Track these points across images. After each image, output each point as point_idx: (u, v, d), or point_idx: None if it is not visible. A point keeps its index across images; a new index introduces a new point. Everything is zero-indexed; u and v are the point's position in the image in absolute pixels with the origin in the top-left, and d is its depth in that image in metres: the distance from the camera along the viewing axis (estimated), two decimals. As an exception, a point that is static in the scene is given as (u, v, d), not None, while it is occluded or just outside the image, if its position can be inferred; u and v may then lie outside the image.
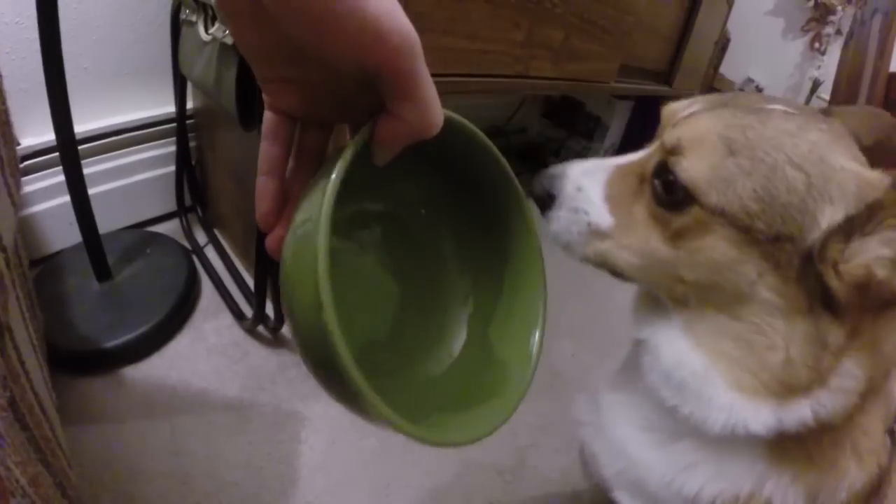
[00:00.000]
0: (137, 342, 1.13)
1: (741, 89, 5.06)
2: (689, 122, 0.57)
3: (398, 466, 1.08)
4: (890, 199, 0.47)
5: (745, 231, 0.51)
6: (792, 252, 0.50)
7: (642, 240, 0.58)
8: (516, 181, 0.54)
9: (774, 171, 0.50)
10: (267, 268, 1.10)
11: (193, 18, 1.10)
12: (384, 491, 1.03)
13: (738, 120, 0.53)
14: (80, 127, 1.14)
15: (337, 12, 0.32)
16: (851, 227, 0.49)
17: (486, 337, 0.59)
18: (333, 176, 0.37)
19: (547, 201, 0.62)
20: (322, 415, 1.12)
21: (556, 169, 0.63)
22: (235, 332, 1.27)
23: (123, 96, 1.39)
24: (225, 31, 0.97)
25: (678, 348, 0.59)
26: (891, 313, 0.51)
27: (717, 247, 0.53)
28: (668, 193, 0.55)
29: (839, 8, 4.55)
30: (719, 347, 0.56)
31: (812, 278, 0.50)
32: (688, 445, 0.62)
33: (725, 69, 5.03)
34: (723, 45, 4.46)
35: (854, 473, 0.57)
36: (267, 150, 0.45)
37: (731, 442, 0.57)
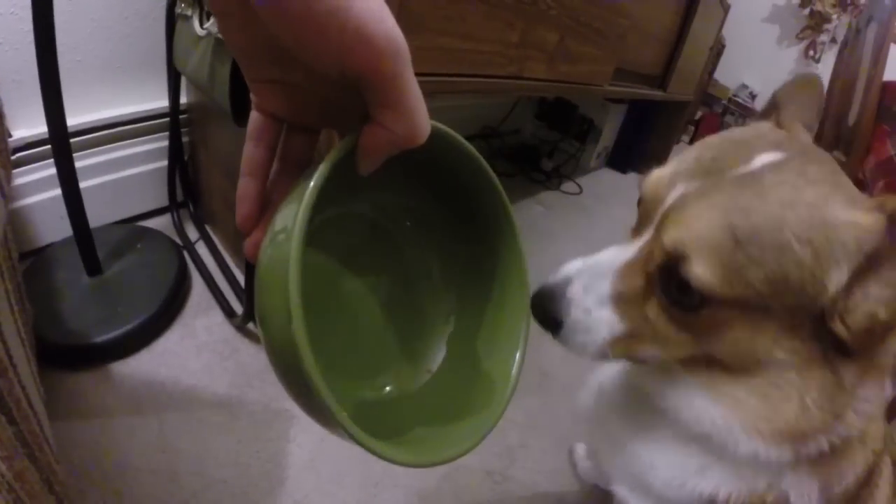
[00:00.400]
0: (127, 337, 1.12)
1: (735, 96, 5.09)
2: (683, 216, 0.54)
3: (387, 466, 1.07)
4: (886, 245, 0.48)
5: (761, 311, 0.52)
6: (805, 316, 0.51)
7: (661, 337, 0.58)
8: (504, 196, 0.53)
9: (783, 253, 0.49)
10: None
11: (189, 13, 1.10)
12: (373, 490, 1.03)
13: (735, 202, 0.51)
14: (73, 120, 1.13)
15: (316, 11, 0.31)
16: (854, 280, 0.49)
17: (467, 355, 0.58)
18: (311, 186, 0.36)
19: (554, 326, 0.60)
20: (311, 413, 1.11)
21: (555, 286, 0.60)
22: (225, 329, 1.27)
23: (117, 90, 1.38)
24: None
25: (698, 405, 0.60)
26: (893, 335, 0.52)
27: (736, 333, 0.54)
28: (682, 295, 0.54)
29: (834, 16, 4.57)
30: (737, 399, 0.57)
31: (823, 332, 0.51)
32: (699, 448, 0.63)
33: (720, 75, 5.06)
34: (718, 50, 4.49)
35: (860, 459, 0.60)
36: (251, 151, 0.44)
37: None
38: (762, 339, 0.53)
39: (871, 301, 0.49)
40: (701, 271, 0.51)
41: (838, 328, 0.50)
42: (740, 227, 0.50)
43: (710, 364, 0.58)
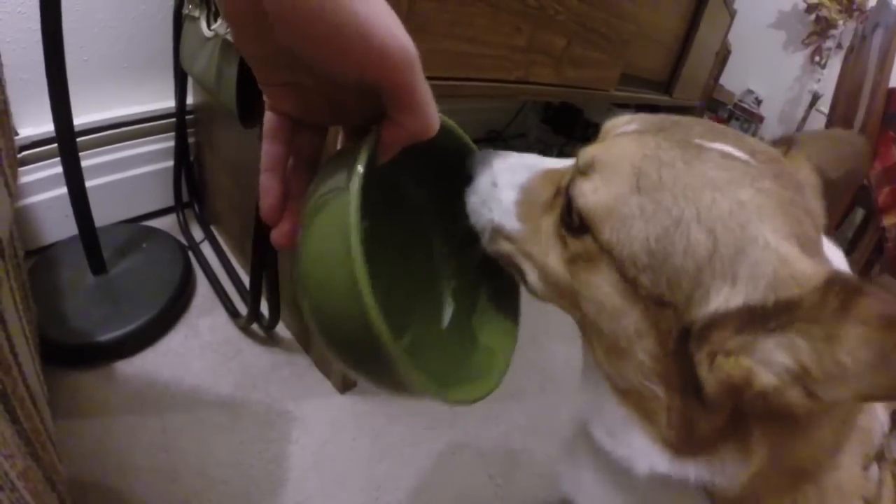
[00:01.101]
0: (131, 337, 1.13)
1: (741, 101, 5.08)
2: (612, 141, 0.51)
3: (389, 468, 1.08)
4: (812, 302, 0.37)
5: (631, 282, 0.44)
6: (673, 321, 0.43)
7: (542, 254, 0.54)
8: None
9: (677, 226, 0.42)
10: (263, 266, 1.10)
11: (196, 14, 1.10)
12: (375, 493, 1.03)
13: (660, 153, 0.45)
14: (80, 119, 1.14)
15: (345, 34, 0.34)
16: (750, 319, 0.40)
17: (472, 308, 0.64)
18: (360, 154, 0.40)
19: (466, 179, 0.59)
20: (314, 415, 1.11)
21: (489, 154, 0.59)
22: (229, 330, 1.27)
23: (123, 90, 1.38)
24: (227, 27, 0.97)
25: (604, 397, 0.52)
26: (785, 428, 0.42)
27: (602, 287, 0.47)
28: (569, 214, 0.49)
29: (840, 22, 4.56)
30: (631, 399, 0.49)
31: (685, 357, 0.43)
32: (643, 488, 0.54)
33: (726, 80, 5.05)
34: (723, 56, 4.48)
35: None
36: (269, 148, 0.46)
37: (676, 488, 0.49)
38: (624, 320, 0.46)
39: (758, 359, 0.39)
40: (589, 189, 0.47)
41: (701, 362, 0.41)
42: (648, 176, 0.44)
43: (591, 343, 0.51)
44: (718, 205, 0.41)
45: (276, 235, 0.46)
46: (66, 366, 1.06)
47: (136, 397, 1.05)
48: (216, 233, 1.52)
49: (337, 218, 0.38)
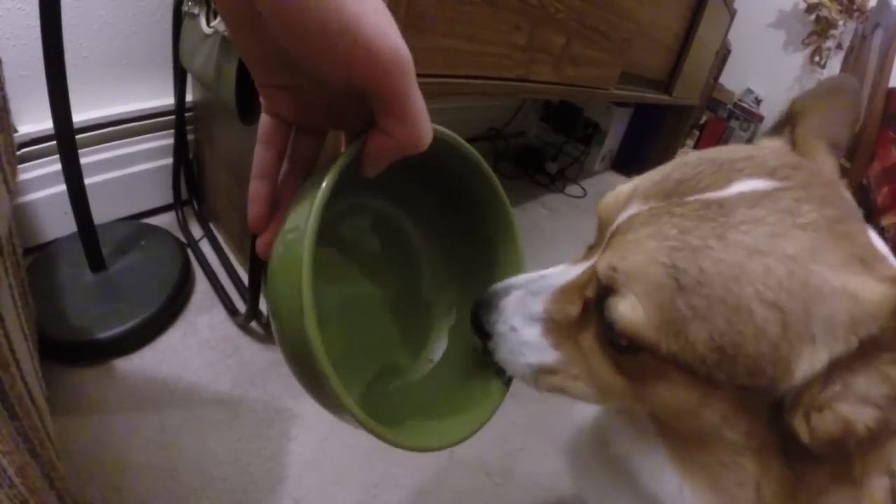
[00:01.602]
0: (129, 334, 1.13)
1: (741, 100, 5.08)
2: (625, 240, 0.44)
3: (388, 466, 1.08)
4: (890, 332, 0.35)
5: (705, 379, 0.41)
6: (760, 400, 0.40)
7: (595, 373, 0.49)
8: (502, 193, 0.55)
9: (738, 314, 0.38)
10: (262, 264, 1.10)
11: (196, 11, 1.10)
12: (373, 490, 1.03)
13: (688, 238, 0.40)
14: (79, 116, 1.13)
15: (329, 30, 0.33)
16: (835, 369, 0.37)
17: (467, 347, 0.59)
18: (322, 187, 0.38)
19: (483, 337, 0.53)
20: (312, 412, 1.11)
21: (493, 295, 0.53)
22: (228, 328, 1.27)
23: (123, 87, 1.38)
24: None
25: (653, 466, 0.51)
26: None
27: (674, 392, 0.44)
28: (612, 332, 0.44)
29: (840, 22, 4.57)
30: (693, 473, 0.47)
31: (781, 424, 0.40)
32: None
33: (725, 80, 5.05)
34: (723, 55, 4.48)
35: None
36: (261, 154, 0.46)
37: None
38: (707, 411, 0.43)
39: (852, 402, 0.37)
40: (628, 310, 0.42)
41: (799, 426, 0.39)
42: (685, 270, 0.39)
43: (660, 425, 0.49)
44: (772, 272, 0.37)
45: (260, 245, 0.45)
46: (65, 363, 1.06)
47: (134, 395, 1.05)
48: (215, 230, 1.52)
49: (292, 269, 0.37)
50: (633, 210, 0.46)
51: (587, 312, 0.49)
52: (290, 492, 0.98)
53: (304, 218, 0.38)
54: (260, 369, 1.18)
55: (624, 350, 0.44)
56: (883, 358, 0.35)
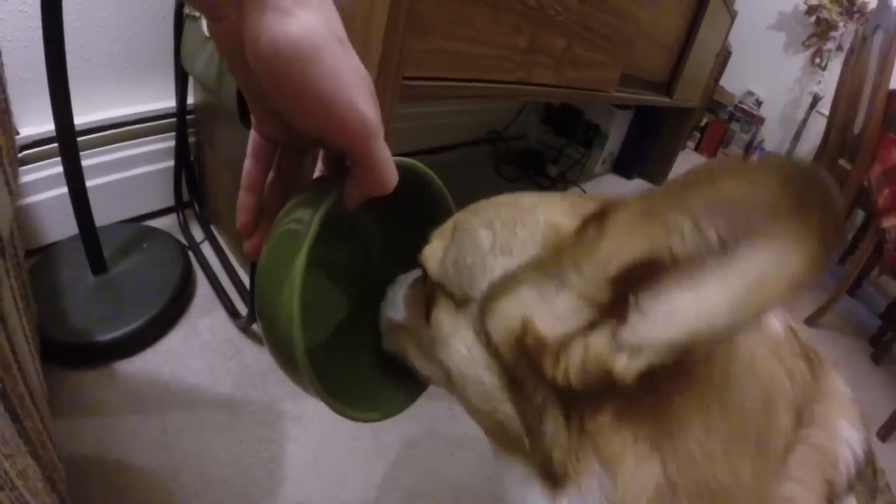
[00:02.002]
0: (131, 336, 1.13)
1: (741, 102, 5.09)
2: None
3: (388, 468, 1.08)
4: (573, 238, 0.35)
5: (450, 298, 0.47)
6: (477, 315, 0.43)
7: (416, 330, 0.54)
8: (450, 203, 0.62)
9: (468, 235, 0.47)
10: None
11: (197, 14, 1.10)
12: (374, 493, 1.03)
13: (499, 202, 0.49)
14: (80, 118, 1.13)
15: (307, 99, 0.38)
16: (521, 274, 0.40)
17: None
18: (311, 228, 0.44)
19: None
20: (314, 414, 1.11)
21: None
22: (229, 330, 1.27)
23: (124, 89, 1.38)
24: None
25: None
26: (641, 425, 0.35)
27: (440, 317, 0.48)
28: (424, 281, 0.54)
29: (841, 24, 4.58)
30: (497, 437, 0.46)
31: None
32: None
33: (726, 82, 5.06)
34: (724, 57, 4.49)
35: None
36: (250, 168, 0.52)
37: None
38: (457, 340, 0.45)
39: (530, 303, 0.38)
40: (429, 252, 0.51)
41: (497, 343, 0.41)
42: (461, 224, 0.49)
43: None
44: (501, 213, 0.46)
45: (247, 247, 0.53)
46: (67, 365, 1.06)
47: (136, 397, 1.05)
48: (216, 233, 1.52)
49: (282, 280, 0.44)
50: None
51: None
52: (290, 494, 0.98)
53: (309, 216, 0.45)
54: (261, 371, 1.18)
55: (424, 286, 0.53)
56: (565, 268, 0.35)
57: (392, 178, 0.46)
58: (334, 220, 0.46)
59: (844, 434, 0.39)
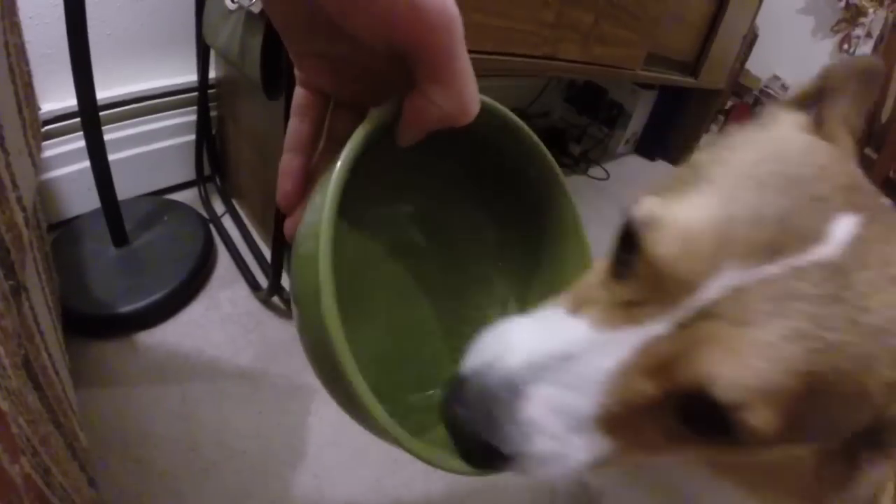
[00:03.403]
0: (152, 308, 1.13)
1: (767, 87, 5.01)
2: (742, 337, 0.33)
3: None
4: None
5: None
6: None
7: (659, 450, 0.40)
8: (567, 186, 0.50)
9: (861, 399, 0.34)
10: (284, 239, 1.10)
11: (220, -14, 1.09)
12: (392, 466, 1.03)
13: (824, 336, 0.32)
14: (102, 93, 1.13)
15: None
16: None
17: None
18: (338, 167, 0.34)
19: (495, 461, 0.38)
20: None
21: (493, 400, 0.37)
22: (250, 303, 1.27)
23: (146, 64, 1.38)
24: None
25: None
26: None
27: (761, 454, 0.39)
28: (709, 426, 0.35)
29: (871, 10, 4.49)
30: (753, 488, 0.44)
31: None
32: None
33: (752, 65, 4.98)
34: (751, 40, 4.41)
35: None
36: (295, 126, 0.42)
37: None
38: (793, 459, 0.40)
39: None
40: (760, 424, 0.33)
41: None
42: (822, 374, 0.32)
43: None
44: (892, 350, 0.34)
45: (288, 225, 0.41)
46: (88, 336, 1.07)
47: (156, 368, 1.06)
48: (237, 206, 1.52)
49: (311, 260, 0.33)
50: (733, 275, 0.34)
51: (655, 402, 0.37)
52: (309, 467, 0.99)
53: (322, 199, 0.33)
54: (281, 344, 1.18)
55: (727, 443, 0.35)
56: None
57: (474, 100, 0.35)
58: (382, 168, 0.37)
59: None
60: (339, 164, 0.34)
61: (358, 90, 0.42)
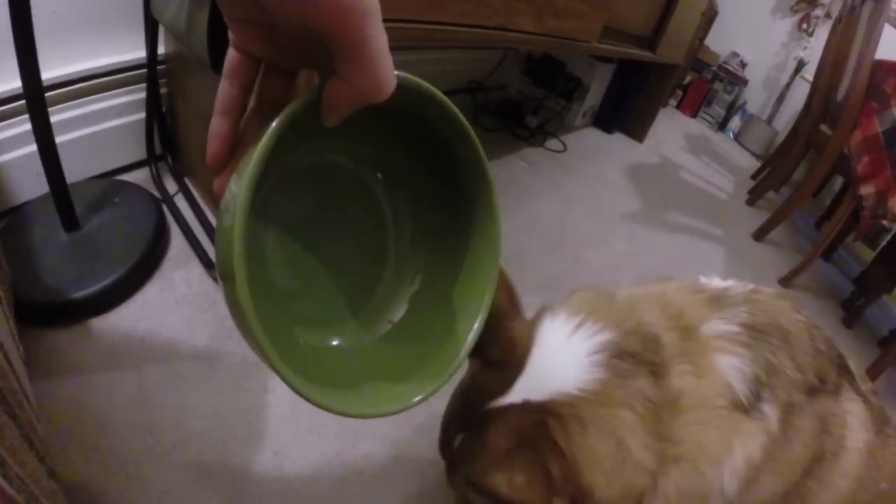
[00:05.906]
0: (105, 292, 1.12)
1: (726, 63, 5.08)
2: None
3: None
4: None
5: None
6: None
7: None
8: (479, 147, 0.51)
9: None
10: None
11: (166, -39, 1.06)
12: (352, 440, 1.05)
13: None
14: (47, 73, 1.10)
15: None
16: None
17: (427, 314, 0.59)
18: (263, 141, 0.37)
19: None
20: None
21: None
22: (204, 282, 1.27)
23: (93, 41, 1.34)
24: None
25: None
26: None
27: None
28: None
29: (831, -8, 4.58)
30: None
31: None
32: None
33: (711, 41, 5.05)
34: (710, 16, 4.45)
35: None
36: (225, 89, 0.43)
37: None
38: None
39: None
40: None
41: None
42: None
43: None
44: None
45: (216, 185, 0.44)
46: (42, 325, 1.05)
47: (112, 353, 1.05)
48: (190, 184, 1.50)
49: (228, 226, 0.37)
50: None
51: None
52: (269, 443, 0.99)
53: (246, 164, 0.36)
54: (237, 324, 1.18)
55: None
56: None
57: (389, 78, 0.36)
58: (315, 137, 0.40)
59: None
60: (254, 157, 0.37)
61: (289, 56, 0.43)
